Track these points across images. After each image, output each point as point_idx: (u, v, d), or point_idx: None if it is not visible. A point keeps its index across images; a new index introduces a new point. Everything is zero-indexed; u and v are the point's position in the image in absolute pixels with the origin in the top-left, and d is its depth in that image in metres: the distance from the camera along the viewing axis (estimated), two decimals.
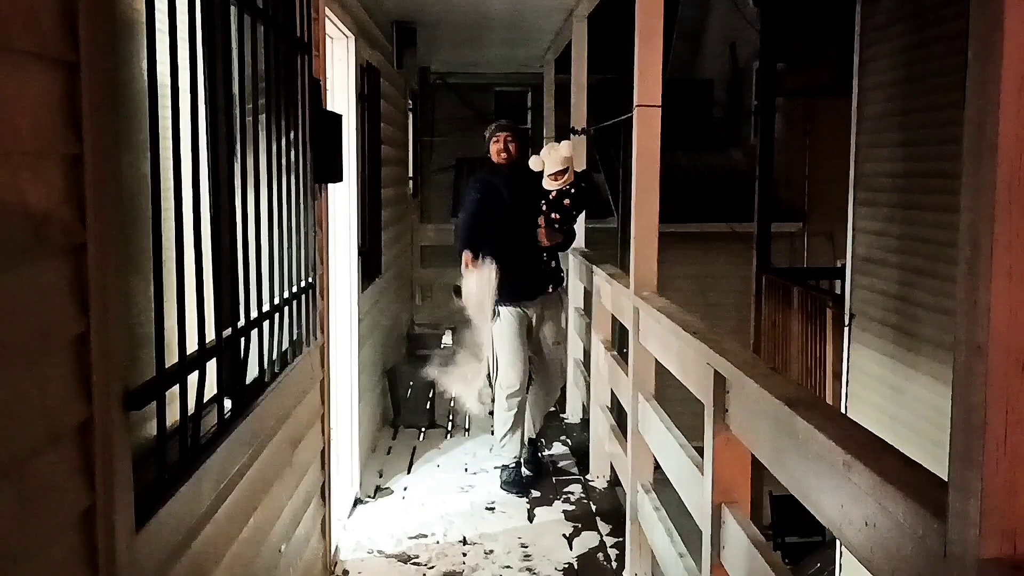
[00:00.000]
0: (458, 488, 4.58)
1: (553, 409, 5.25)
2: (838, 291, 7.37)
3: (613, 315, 4.29)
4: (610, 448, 4.31)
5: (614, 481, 4.54)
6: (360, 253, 4.43)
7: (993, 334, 1.03)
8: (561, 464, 4.99)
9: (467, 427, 5.56)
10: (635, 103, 3.27)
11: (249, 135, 2.19)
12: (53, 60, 1.26)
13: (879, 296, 6.19)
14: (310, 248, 2.83)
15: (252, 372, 2.25)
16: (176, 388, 1.71)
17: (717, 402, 2.27)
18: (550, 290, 4.60)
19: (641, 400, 3.32)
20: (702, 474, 2.39)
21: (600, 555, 3.83)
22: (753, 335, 8.91)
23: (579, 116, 5.70)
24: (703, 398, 2.39)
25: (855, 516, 1.47)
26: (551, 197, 4.42)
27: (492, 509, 4.31)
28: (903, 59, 5.94)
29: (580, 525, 4.12)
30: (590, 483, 4.68)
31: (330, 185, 3.28)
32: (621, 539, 3.80)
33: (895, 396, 5.87)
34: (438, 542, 3.91)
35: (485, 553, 3.81)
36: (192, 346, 1.81)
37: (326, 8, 3.35)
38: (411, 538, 3.94)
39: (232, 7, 2.11)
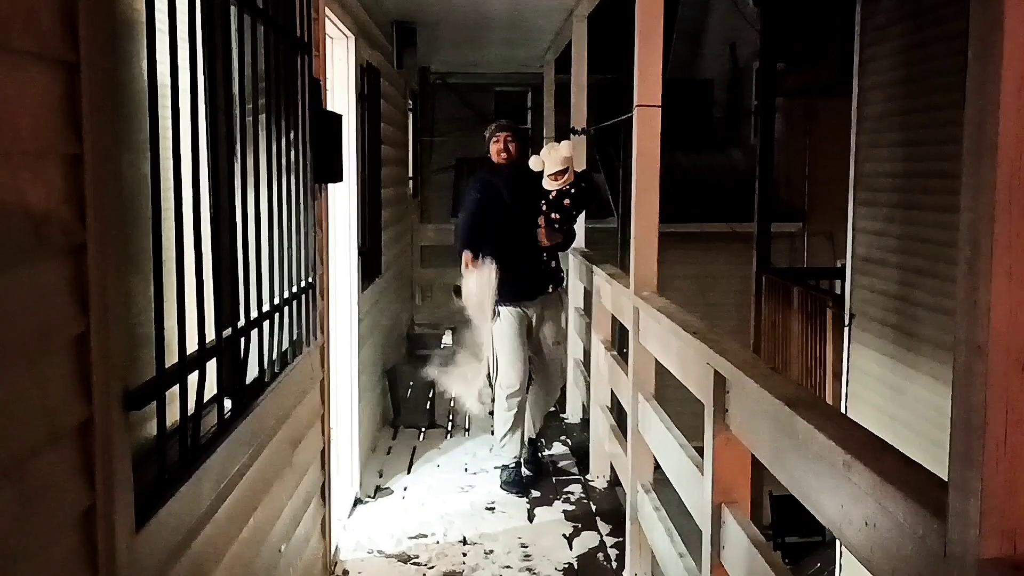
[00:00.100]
0: (458, 488, 4.58)
1: (553, 409, 5.25)
2: (838, 291, 7.37)
3: (613, 315, 4.29)
4: (610, 448, 4.31)
5: (614, 481, 4.54)
6: (360, 253, 4.42)
7: (993, 334, 1.03)
8: (561, 464, 4.99)
9: (467, 427, 5.56)
10: (635, 103, 3.27)
11: (249, 135, 2.19)
12: (53, 60, 1.26)
13: (879, 296, 6.19)
14: (310, 248, 2.83)
15: (252, 372, 2.25)
16: (176, 388, 1.71)
17: (717, 402, 2.27)
18: (550, 290, 4.60)
19: (641, 400, 3.32)
20: (702, 474, 2.39)
21: (600, 555, 3.83)
22: (753, 335, 8.91)
23: (579, 116, 5.70)
24: (703, 398, 2.39)
25: (855, 516, 1.47)
26: (551, 197, 4.42)
27: (492, 509, 4.31)
28: (903, 59, 5.94)
29: (580, 525, 4.12)
30: (590, 483, 4.68)
31: (330, 185, 3.28)
32: (621, 539, 3.80)
33: (895, 396, 5.87)
34: (438, 542, 3.91)
35: (485, 553, 3.81)
36: (192, 346, 1.81)
37: (326, 8, 3.35)
38: (411, 538, 3.94)
39: (232, 7, 2.11)
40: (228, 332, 2.04)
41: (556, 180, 4.39)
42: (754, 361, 2.21)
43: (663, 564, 3.02)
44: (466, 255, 4.27)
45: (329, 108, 3.34)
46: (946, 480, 1.14)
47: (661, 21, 3.23)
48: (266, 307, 2.34)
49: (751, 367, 2.10)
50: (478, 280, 4.25)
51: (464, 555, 3.79)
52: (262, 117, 2.34)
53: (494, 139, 4.50)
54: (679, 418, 2.98)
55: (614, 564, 3.73)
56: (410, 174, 8.29)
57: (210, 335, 1.89)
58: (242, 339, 2.13)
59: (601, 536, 4.01)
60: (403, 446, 5.28)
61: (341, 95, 4.19)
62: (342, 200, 4.15)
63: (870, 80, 6.42)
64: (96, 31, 1.34)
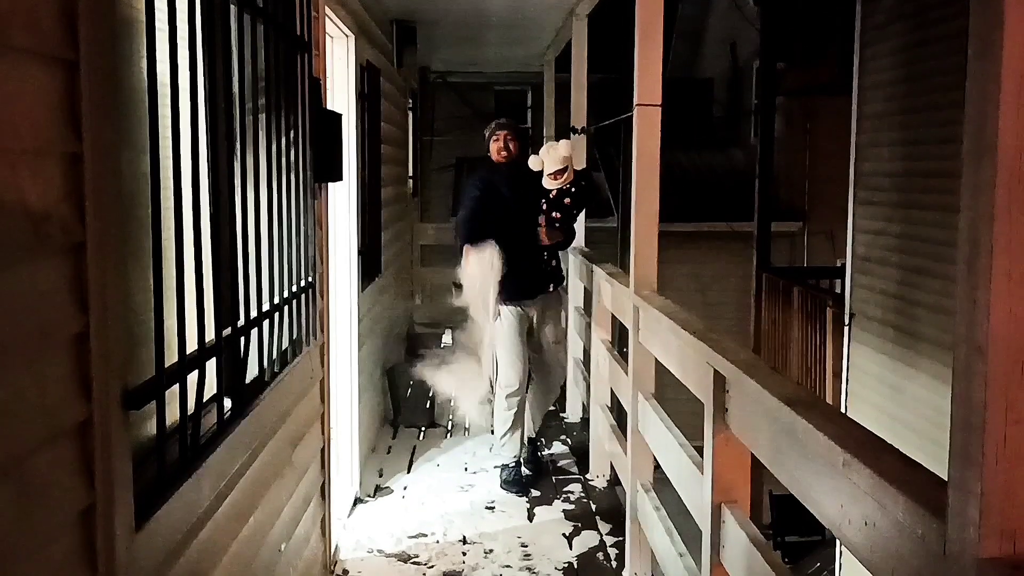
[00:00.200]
0: (458, 487, 4.58)
1: (553, 408, 5.25)
2: (838, 290, 7.37)
3: (613, 314, 4.29)
4: (610, 447, 4.31)
5: (614, 480, 4.54)
6: (360, 252, 4.42)
7: (993, 334, 1.03)
8: (561, 463, 4.99)
9: (467, 426, 5.56)
10: (635, 102, 3.27)
11: (249, 134, 2.19)
12: (53, 58, 1.26)
13: (879, 295, 6.20)
14: (310, 247, 2.83)
15: (252, 371, 2.25)
16: (176, 387, 1.71)
17: (717, 401, 2.27)
18: (551, 289, 4.60)
19: (641, 399, 3.32)
20: (702, 473, 2.39)
21: (600, 554, 3.83)
22: (753, 334, 8.92)
23: (579, 115, 5.70)
24: (703, 397, 2.39)
25: (854, 515, 1.47)
26: (551, 196, 4.42)
27: (492, 508, 4.31)
28: (903, 58, 5.94)
29: (580, 524, 4.12)
30: (590, 482, 4.68)
31: (330, 184, 3.28)
32: (621, 538, 3.80)
33: (895, 395, 5.87)
34: (438, 541, 3.91)
35: (485, 552, 3.81)
36: (192, 345, 1.81)
37: (326, 7, 3.35)
38: (411, 537, 3.94)
39: (232, 6, 2.11)
40: (228, 331, 2.04)
41: (556, 179, 4.39)
42: (754, 360, 2.21)
43: (663, 563, 3.02)
44: (467, 250, 4.25)
45: (329, 107, 3.34)
46: (946, 480, 1.14)
47: (661, 20, 3.23)
48: (266, 306, 2.33)
49: (751, 366, 2.10)
50: (479, 262, 4.20)
51: (464, 554, 3.79)
52: (262, 116, 2.34)
53: (494, 138, 4.50)
54: (679, 417, 2.98)
55: (614, 563, 3.73)
56: (410, 173, 8.28)
57: (210, 334, 1.89)
58: (242, 338, 2.13)
59: (601, 535, 4.01)
60: (403, 445, 5.28)
61: (341, 94, 4.19)
62: (342, 199, 4.15)
63: (870, 79, 6.42)
64: (96, 30, 1.34)
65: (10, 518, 1.15)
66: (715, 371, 2.27)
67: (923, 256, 5.60)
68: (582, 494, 4.51)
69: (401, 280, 7.09)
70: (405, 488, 4.56)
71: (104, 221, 1.35)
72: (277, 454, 2.48)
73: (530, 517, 4.23)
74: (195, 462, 1.78)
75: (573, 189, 4.43)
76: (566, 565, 3.71)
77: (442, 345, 6.31)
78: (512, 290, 4.34)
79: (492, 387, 4.63)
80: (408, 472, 4.81)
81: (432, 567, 3.66)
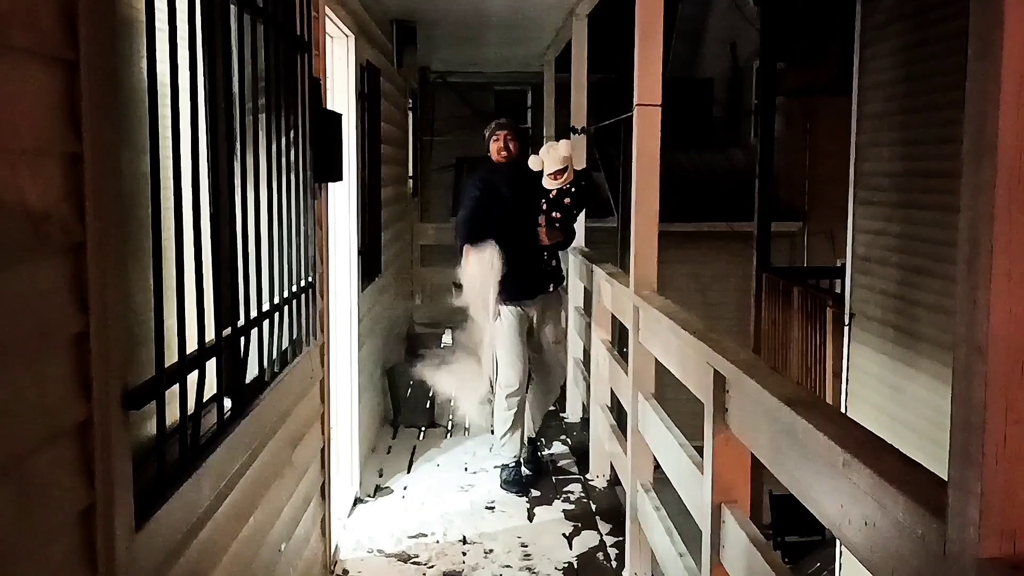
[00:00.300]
0: (458, 487, 4.58)
1: (553, 408, 5.25)
2: (838, 290, 7.37)
3: (613, 314, 4.29)
4: (610, 447, 4.31)
5: (614, 480, 4.54)
6: (360, 252, 4.42)
7: (993, 334, 1.03)
8: (561, 463, 4.99)
9: (467, 426, 5.56)
10: (635, 102, 3.27)
11: (249, 134, 2.19)
12: (53, 58, 1.26)
13: (879, 295, 6.20)
14: (310, 247, 2.83)
15: (252, 371, 2.25)
16: (176, 387, 1.71)
17: (717, 401, 2.27)
18: (551, 289, 4.60)
19: (641, 399, 3.32)
20: (702, 473, 2.39)
21: (600, 554, 3.83)
22: (753, 334, 8.92)
23: (579, 115, 5.70)
24: (703, 397, 2.39)
25: (854, 515, 1.47)
26: (551, 196, 4.42)
27: (492, 508, 4.31)
28: (903, 58, 5.94)
29: (580, 524, 4.12)
30: (590, 482, 4.68)
31: (330, 184, 3.28)
32: (621, 538, 3.80)
33: (895, 395, 5.87)
34: (438, 541, 3.91)
35: (485, 552, 3.81)
36: (192, 345, 1.81)
37: (326, 7, 3.35)
38: (411, 537, 3.94)
39: (232, 6, 2.11)
40: (228, 331, 2.04)
41: (556, 179, 4.39)
42: (754, 360, 2.21)
43: (663, 563, 3.02)
44: (467, 250, 4.24)
45: (329, 107, 3.34)
46: (946, 480, 1.14)
47: (661, 20, 3.23)
48: (266, 306, 2.33)
49: (751, 366, 2.10)
50: (479, 262, 4.19)
51: (464, 554, 3.79)
52: (262, 116, 2.34)
53: (494, 138, 4.50)
54: (679, 417, 2.98)
55: (614, 563, 3.73)
56: (410, 173, 8.29)
57: (210, 334, 1.89)
58: (242, 338, 2.13)
59: (601, 535, 4.01)
60: (403, 445, 5.28)
61: (341, 94, 4.19)
62: (342, 199, 4.15)
63: (870, 79, 6.42)
64: (96, 29, 1.34)
65: (10, 518, 1.15)
66: (715, 371, 2.27)
67: (923, 256, 5.60)
68: (582, 494, 4.51)
69: (401, 280, 7.10)
70: (405, 488, 4.56)
71: (104, 221, 1.35)
72: (277, 454, 2.48)
73: (530, 517, 4.23)
74: (195, 462, 1.78)
75: (573, 189, 4.43)
76: (566, 565, 3.71)
77: (442, 345, 6.31)
78: (512, 290, 4.34)
79: (492, 387, 4.63)
80: (408, 472, 4.81)
81: (432, 567, 3.66)
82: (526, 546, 3.88)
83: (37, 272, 1.22)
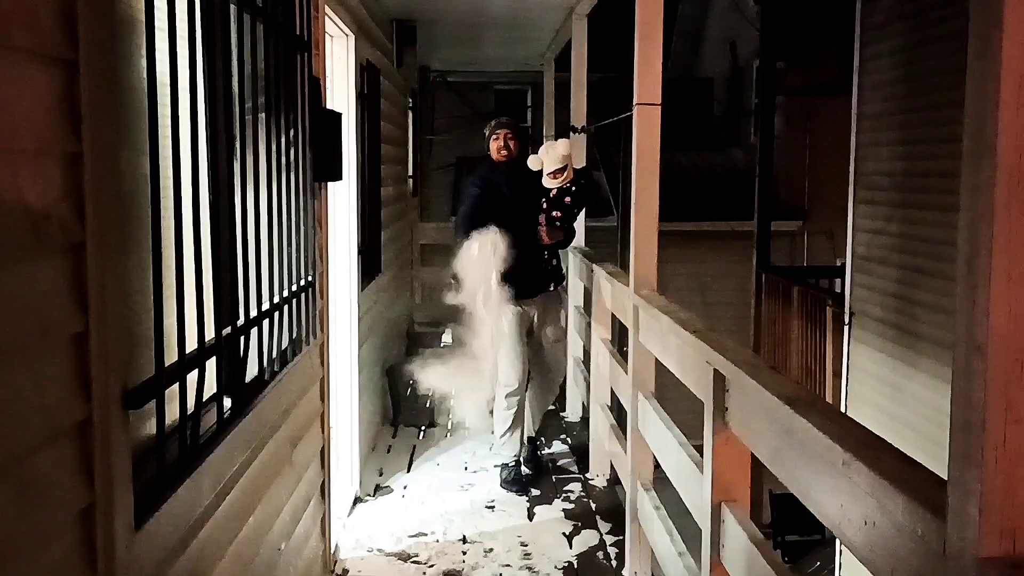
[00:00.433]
0: (458, 486, 4.58)
1: (553, 407, 5.24)
2: (838, 290, 7.37)
3: (613, 313, 4.29)
4: (610, 447, 4.31)
5: (614, 480, 4.54)
6: (360, 251, 4.42)
7: (992, 333, 1.03)
8: (561, 463, 4.99)
9: (467, 426, 5.56)
10: (635, 101, 3.27)
11: (249, 134, 2.19)
12: (52, 58, 1.26)
13: (879, 295, 6.19)
14: (310, 246, 2.83)
15: (252, 371, 2.25)
16: (176, 387, 1.71)
17: (717, 401, 2.27)
18: (551, 288, 4.60)
19: (641, 399, 3.32)
20: (702, 473, 2.39)
21: (600, 554, 3.83)
22: (753, 334, 8.92)
23: (579, 114, 5.70)
24: (703, 397, 2.39)
25: (854, 515, 1.47)
26: (552, 195, 4.42)
27: (492, 507, 4.31)
28: (903, 58, 5.94)
29: (580, 524, 4.12)
30: (590, 482, 4.68)
31: (330, 184, 3.28)
32: (621, 538, 3.80)
33: (895, 395, 5.87)
34: (438, 540, 3.92)
35: (485, 552, 3.81)
36: (192, 344, 1.81)
37: (326, 6, 3.35)
38: (411, 536, 3.94)
39: (231, 5, 2.11)
40: (228, 331, 2.04)
41: (555, 178, 4.39)
42: (754, 360, 2.21)
43: (663, 563, 3.02)
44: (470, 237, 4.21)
45: (329, 106, 3.34)
46: (945, 479, 1.14)
47: (661, 19, 3.23)
48: (266, 305, 2.34)
49: (751, 366, 2.10)
50: (481, 245, 4.15)
51: (464, 553, 3.79)
52: (262, 116, 2.34)
53: (494, 137, 4.50)
54: (679, 417, 2.98)
55: (614, 563, 3.73)
56: (410, 172, 8.28)
57: (210, 333, 1.89)
58: (242, 337, 2.13)
59: (601, 535, 4.01)
60: (403, 444, 5.28)
61: (341, 93, 4.19)
62: (342, 199, 4.14)
63: (870, 79, 6.42)
64: (95, 29, 1.34)
65: (10, 517, 1.15)
66: (715, 370, 2.27)
67: (923, 255, 5.60)
68: (582, 493, 4.51)
69: (401, 279, 7.10)
70: (405, 487, 4.56)
71: (104, 221, 1.35)
72: (277, 453, 2.48)
73: (530, 516, 4.23)
74: (195, 461, 1.78)
75: (573, 188, 4.43)
76: (566, 564, 3.71)
77: (442, 344, 6.31)
78: (512, 289, 4.33)
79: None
80: (408, 471, 4.82)
81: (432, 566, 3.66)
82: (526, 545, 3.88)
83: (37, 272, 1.22)
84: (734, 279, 10.98)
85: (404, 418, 5.63)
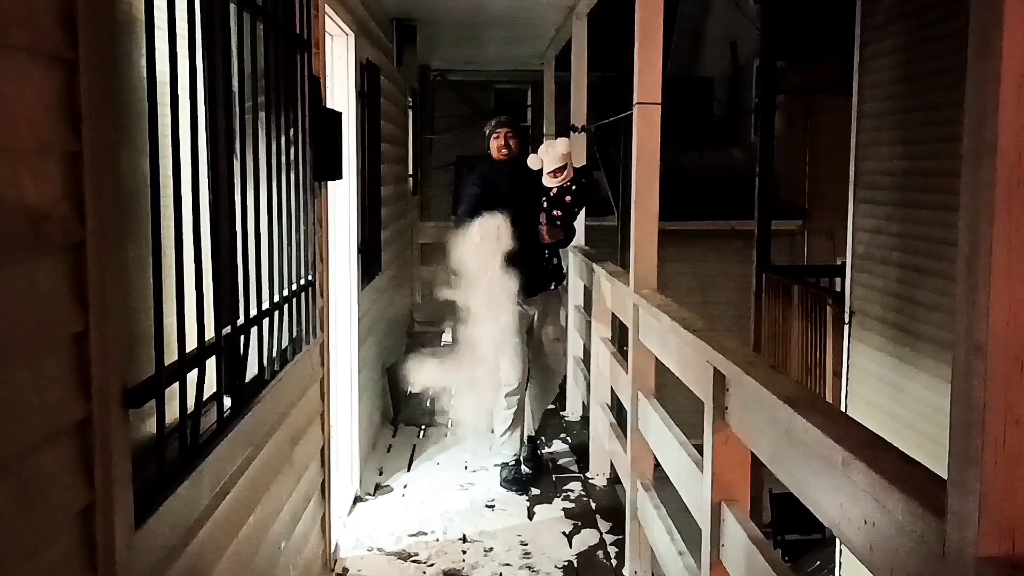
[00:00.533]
0: (458, 486, 4.58)
1: (553, 406, 5.24)
2: (838, 289, 7.37)
3: (613, 313, 4.29)
4: (610, 446, 4.31)
5: (614, 479, 4.54)
6: (360, 250, 4.42)
7: (992, 333, 1.03)
8: (561, 462, 4.99)
9: (466, 426, 5.56)
10: (635, 100, 3.27)
11: (249, 133, 2.19)
12: (52, 57, 1.26)
13: (879, 294, 6.20)
14: (310, 246, 2.83)
15: (252, 370, 2.25)
16: (176, 386, 1.71)
17: (717, 400, 2.27)
18: (552, 287, 4.60)
19: (641, 398, 3.32)
20: (702, 472, 2.39)
21: (600, 553, 3.83)
22: (753, 333, 8.92)
23: (579, 113, 5.70)
24: (703, 396, 2.39)
25: (854, 514, 1.47)
26: (552, 194, 4.42)
27: (492, 507, 4.31)
28: (903, 57, 5.94)
29: (580, 523, 4.12)
30: (590, 481, 4.68)
31: (330, 183, 3.28)
32: (621, 537, 3.80)
33: (895, 394, 5.87)
34: (438, 540, 3.92)
35: (485, 551, 3.81)
36: (192, 344, 1.81)
37: (326, 5, 3.35)
38: (411, 536, 3.95)
39: (231, 4, 2.10)
40: (228, 330, 2.04)
41: (555, 177, 4.39)
42: (754, 359, 2.21)
43: (663, 562, 3.02)
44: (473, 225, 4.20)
45: (329, 106, 3.34)
46: (945, 479, 1.14)
47: (661, 18, 3.23)
48: (266, 305, 2.34)
49: (751, 365, 2.10)
50: (484, 232, 4.13)
51: (464, 553, 3.79)
52: (262, 115, 2.34)
53: (494, 135, 4.49)
54: (679, 416, 2.98)
55: (614, 562, 3.73)
56: (410, 171, 8.29)
57: (210, 333, 1.89)
58: (242, 337, 2.13)
59: (601, 534, 4.01)
60: (403, 444, 5.28)
61: (341, 93, 4.18)
62: (342, 198, 4.14)
63: (870, 78, 6.42)
64: (95, 28, 1.34)
65: (10, 516, 1.15)
66: (715, 370, 2.27)
67: (923, 255, 5.60)
68: (582, 492, 4.51)
69: (401, 278, 7.10)
70: (405, 486, 4.56)
71: (103, 220, 1.35)
72: (277, 452, 2.49)
73: (530, 515, 4.23)
74: (195, 460, 1.78)
75: (574, 187, 4.43)
76: (566, 563, 3.71)
77: (442, 343, 6.32)
78: (515, 282, 4.31)
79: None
80: (408, 470, 4.82)
81: (432, 565, 3.66)
82: (526, 544, 3.88)
83: (37, 271, 1.22)
84: (734, 278, 10.98)
85: (404, 417, 5.63)
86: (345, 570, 3.60)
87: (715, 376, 2.28)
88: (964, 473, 1.08)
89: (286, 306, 2.54)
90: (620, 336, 4.53)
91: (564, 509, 4.30)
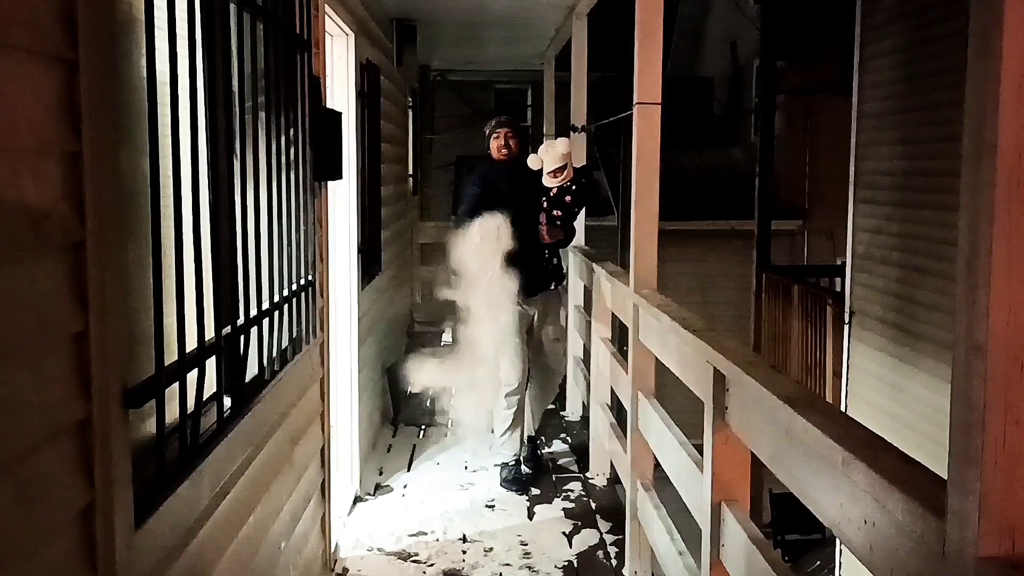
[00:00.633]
0: (458, 486, 4.58)
1: (553, 406, 5.24)
2: (838, 289, 7.38)
3: (613, 313, 4.29)
4: (610, 446, 4.31)
5: (614, 479, 4.54)
6: (360, 250, 4.42)
7: (992, 333, 1.03)
8: (561, 462, 4.99)
9: (466, 426, 5.55)
10: (635, 100, 3.27)
11: (249, 133, 2.19)
12: (52, 57, 1.26)
13: (879, 294, 6.20)
14: (310, 246, 2.83)
15: (252, 370, 2.25)
16: (176, 386, 1.71)
17: (717, 400, 2.27)
18: (552, 287, 4.60)
19: (641, 398, 3.32)
20: (702, 472, 2.39)
21: (600, 553, 3.83)
22: (753, 333, 8.92)
23: (579, 113, 5.70)
24: (703, 396, 2.39)
25: (854, 514, 1.47)
26: (552, 194, 4.42)
27: (492, 507, 4.31)
28: (903, 57, 5.94)
29: (580, 523, 4.12)
30: (590, 481, 4.68)
31: (330, 183, 3.28)
32: (621, 537, 3.80)
33: (895, 394, 5.88)
34: (438, 540, 3.92)
35: (485, 551, 3.81)
36: (192, 344, 1.81)
37: (326, 5, 3.35)
38: (411, 536, 3.95)
39: (231, 4, 2.10)
40: (228, 330, 2.04)
41: (555, 177, 4.39)
42: (754, 359, 2.21)
43: (663, 562, 3.02)
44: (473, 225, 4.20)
45: (329, 106, 3.34)
46: (945, 479, 1.14)
47: (661, 18, 3.23)
48: (266, 305, 2.34)
49: (751, 365, 2.10)
50: (484, 232, 4.13)
51: (464, 553, 3.79)
52: (262, 115, 2.34)
53: (494, 135, 4.49)
54: (679, 416, 2.98)
55: (614, 562, 3.73)
56: (410, 171, 8.28)
57: (210, 333, 1.89)
58: (242, 337, 2.13)
59: (601, 534, 4.01)
60: (403, 444, 5.28)
61: (341, 93, 4.18)
62: (342, 198, 4.14)
63: (870, 78, 6.42)
64: (95, 28, 1.34)
65: (10, 516, 1.15)
66: (715, 369, 2.27)
67: (923, 255, 5.60)
68: (582, 492, 4.51)
69: (401, 278, 7.10)
70: (405, 486, 4.56)
71: (103, 220, 1.35)
72: (277, 452, 2.49)
73: (530, 515, 4.23)
74: (195, 460, 1.78)
75: (573, 187, 4.43)
76: (566, 563, 3.71)
77: (443, 343, 6.31)
78: (515, 282, 4.31)
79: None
80: (408, 470, 4.82)
81: (432, 565, 3.66)
82: (526, 544, 3.88)
83: (37, 271, 1.22)
84: (734, 278, 10.99)
85: (404, 417, 5.63)
86: (345, 570, 3.60)
87: (715, 376, 2.28)
88: (964, 473, 1.08)
89: (286, 306, 2.54)
90: (620, 336, 4.53)
91: (564, 509, 4.30)
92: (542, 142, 5.15)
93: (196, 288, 1.83)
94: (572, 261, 5.59)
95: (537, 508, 4.31)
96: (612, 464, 4.49)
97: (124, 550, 1.41)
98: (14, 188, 1.17)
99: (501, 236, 4.12)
